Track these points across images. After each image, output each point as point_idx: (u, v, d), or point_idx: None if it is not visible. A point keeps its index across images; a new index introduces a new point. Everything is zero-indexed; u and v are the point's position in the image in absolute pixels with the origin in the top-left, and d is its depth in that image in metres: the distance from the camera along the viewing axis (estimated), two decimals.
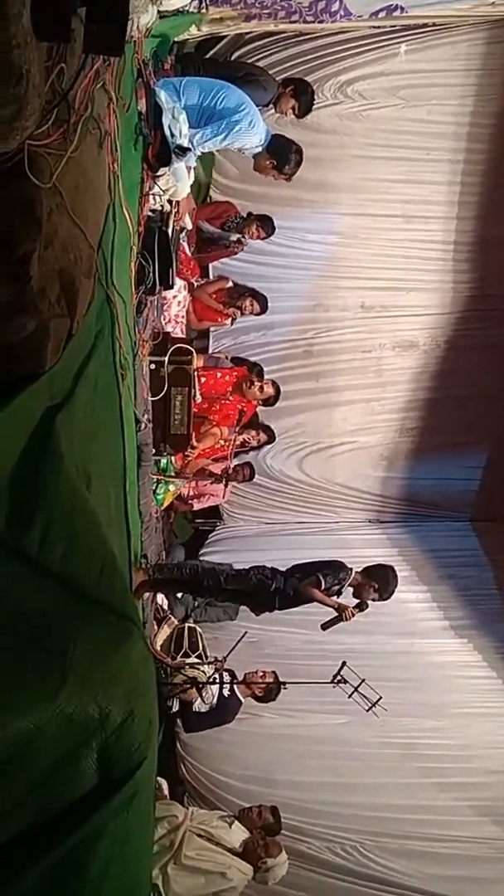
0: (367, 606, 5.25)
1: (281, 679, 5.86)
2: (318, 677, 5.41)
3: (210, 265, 7.42)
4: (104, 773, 2.54)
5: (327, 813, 6.52)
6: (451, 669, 7.29)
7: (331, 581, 5.22)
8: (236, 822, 5.26)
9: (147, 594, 5.53)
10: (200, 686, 5.58)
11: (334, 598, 5.23)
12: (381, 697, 5.11)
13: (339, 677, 5.14)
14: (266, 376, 7.01)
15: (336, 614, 5.19)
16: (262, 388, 6.87)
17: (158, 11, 4.89)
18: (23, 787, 2.43)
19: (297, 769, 6.65)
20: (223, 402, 6.89)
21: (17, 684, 2.37)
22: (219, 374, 7.01)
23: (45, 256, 2.78)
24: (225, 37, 6.50)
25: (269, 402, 7.03)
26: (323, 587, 5.19)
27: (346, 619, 5.17)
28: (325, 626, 5.28)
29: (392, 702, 5.37)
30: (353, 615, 5.17)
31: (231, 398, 6.92)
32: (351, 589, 5.28)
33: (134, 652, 2.67)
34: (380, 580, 5.29)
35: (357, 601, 5.24)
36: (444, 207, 7.49)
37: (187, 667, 5.64)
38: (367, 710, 5.13)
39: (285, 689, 5.67)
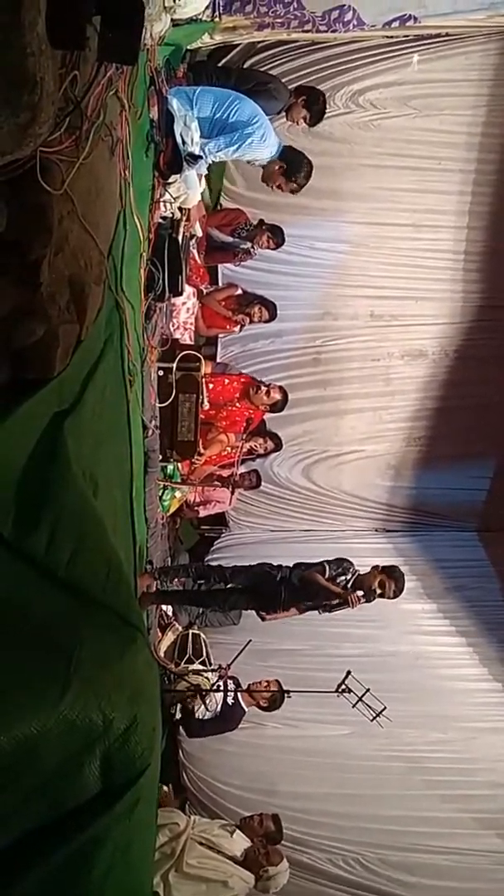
0: (373, 597, 5.22)
1: (285, 688, 5.85)
2: (322, 686, 5.39)
3: (220, 272, 7.44)
4: (107, 779, 2.54)
5: (329, 824, 6.49)
6: (457, 681, 7.25)
7: (335, 569, 5.29)
8: (238, 830, 5.26)
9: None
10: (204, 693, 5.57)
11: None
12: (385, 707, 5.08)
13: (343, 687, 5.12)
14: (274, 383, 7.04)
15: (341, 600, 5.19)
16: (268, 392, 6.89)
17: (172, 20, 4.92)
18: (26, 791, 2.43)
19: (299, 779, 6.62)
20: (230, 408, 6.91)
21: (21, 688, 2.38)
22: (226, 381, 7.02)
23: (56, 263, 2.79)
24: (238, 45, 6.51)
25: (277, 407, 7.04)
26: (327, 575, 5.24)
27: (352, 606, 5.15)
28: (329, 610, 5.25)
29: (396, 712, 5.34)
30: (359, 602, 5.16)
31: (238, 405, 6.93)
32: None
33: (138, 658, 2.68)
34: (388, 572, 5.30)
35: (363, 592, 5.23)
36: (455, 217, 7.48)
37: (191, 673, 5.63)
38: (372, 720, 5.11)
39: (289, 697, 5.64)
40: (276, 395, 6.93)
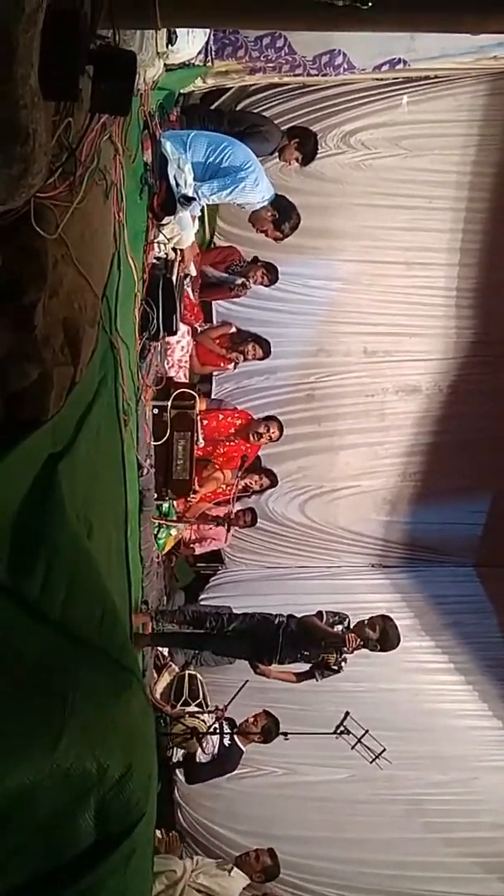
0: (371, 644, 5.21)
1: (281, 726, 5.76)
2: (320, 726, 5.32)
3: (214, 310, 7.49)
4: (102, 829, 2.49)
5: (329, 868, 6.38)
6: (457, 718, 7.18)
7: (331, 617, 5.32)
8: (235, 868, 5.18)
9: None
10: (200, 736, 5.49)
11: None
12: (384, 749, 5.02)
13: (341, 728, 5.06)
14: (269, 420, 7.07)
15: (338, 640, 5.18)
16: (268, 431, 6.91)
17: (165, 65, 5.00)
18: (19, 841, 2.38)
19: (298, 823, 6.52)
20: (227, 444, 6.90)
21: (14, 734, 2.34)
22: (220, 416, 7.03)
23: (50, 306, 2.80)
24: (230, 88, 6.61)
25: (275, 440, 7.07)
26: (324, 620, 5.28)
27: (348, 646, 5.14)
28: (326, 649, 5.21)
29: (396, 753, 5.29)
30: (355, 641, 5.14)
31: (235, 441, 6.93)
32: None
33: (133, 704, 2.64)
34: (385, 618, 5.31)
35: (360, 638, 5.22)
36: (446, 254, 7.57)
37: (187, 716, 5.55)
38: (371, 762, 5.04)
39: (286, 739, 5.57)
40: (275, 433, 6.96)
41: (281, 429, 7.03)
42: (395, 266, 7.60)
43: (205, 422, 6.77)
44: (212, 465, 6.63)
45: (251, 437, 6.91)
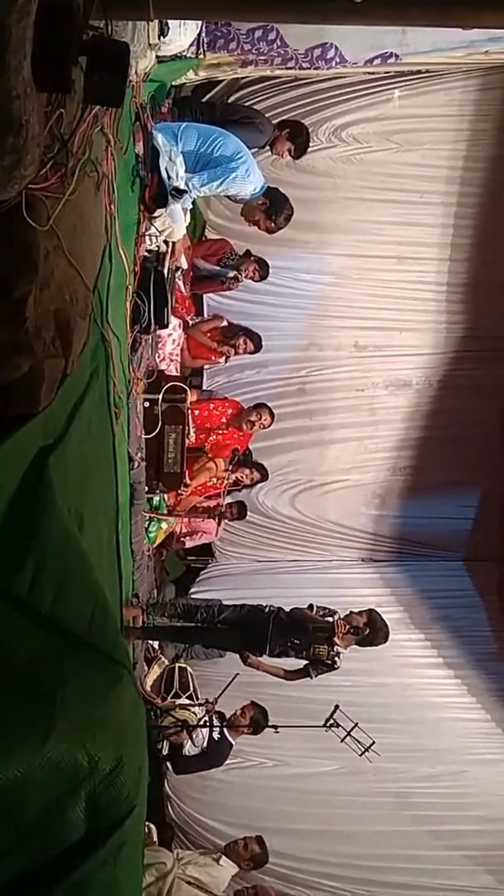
0: (360, 632, 5.22)
1: (271, 719, 5.78)
2: (310, 719, 5.34)
3: (205, 303, 7.48)
4: (92, 822, 2.49)
5: (318, 860, 6.42)
6: (446, 712, 7.22)
7: (321, 610, 5.37)
8: (223, 857, 5.20)
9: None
10: (190, 729, 5.50)
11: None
12: (373, 742, 5.03)
13: (331, 721, 5.07)
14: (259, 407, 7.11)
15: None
16: (260, 419, 6.92)
17: (157, 56, 4.98)
18: (9, 835, 2.38)
19: (287, 815, 6.55)
20: (219, 433, 6.91)
21: (4, 729, 2.33)
22: (212, 406, 7.03)
23: (41, 298, 2.79)
24: (221, 81, 6.60)
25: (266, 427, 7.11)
26: (314, 612, 5.32)
27: (338, 633, 5.15)
28: (315, 636, 5.22)
29: (385, 746, 5.30)
30: (345, 628, 5.16)
31: (226, 430, 6.94)
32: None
33: (124, 697, 2.64)
34: (374, 611, 5.33)
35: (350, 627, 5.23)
36: (437, 249, 7.57)
37: (177, 708, 5.56)
38: (360, 755, 5.06)
39: (276, 732, 5.58)
40: (267, 420, 6.97)
41: (272, 415, 7.08)
42: (386, 260, 7.60)
43: (196, 412, 6.78)
44: (204, 454, 6.63)
45: (244, 426, 6.92)
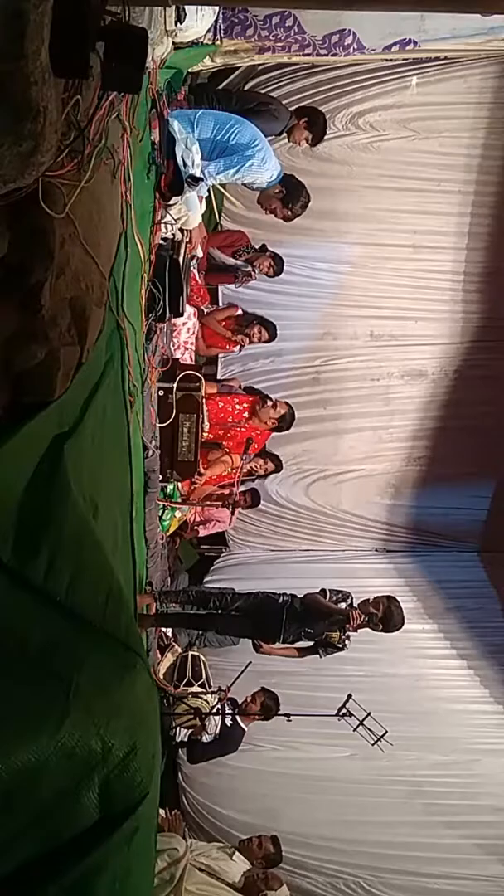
0: (375, 621, 5.21)
1: (283, 708, 5.80)
2: (323, 708, 5.36)
3: (220, 292, 7.46)
4: (105, 807, 2.50)
5: (330, 848, 6.44)
6: (458, 703, 7.21)
7: (334, 594, 5.34)
8: (237, 853, 5.21)
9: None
10: (204, 716, 5.53)
11: None
12: (386, 732, 5.04)
13: (344, 710, 5.08)
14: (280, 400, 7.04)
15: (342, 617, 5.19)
16: (275, 405, 6.84)
17: (173, 43, 4.96)
18: (24, 820, 2.39)
19: (300, 803, 6.57)
20: (238, 429, 6.88)
21: (19, 715, 2.35)
22: (236, 401, 6.99)
23: (57, 286, 2.79)
24: (238, 68, 6.57)
25: (284, 422, 6.94)
26: (328, 598, 5.29)
27: (351, 623, 5.14)
28: (330, 627, 5.22)
29: (398, 736, 5.30)
30: (360, 618, 5.14)
31: (246, 426, 6.91)
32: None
33: (138, 684, 2.65)
34: (389, 597, 5.31)
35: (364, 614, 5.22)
36: (454, 238, 7.52)
37: (190, 696, 5.58)
38: (373, 745, 5.06)
39: (289, 721, 5.60)
40: (283, 409, 6.90)
41: (290, 410, 6.94)
42: (402, 249, 7.55)
43: (220, 404, 6.76)
44: (222, 448, 6.61)
45: (257, 407, 6.83)
